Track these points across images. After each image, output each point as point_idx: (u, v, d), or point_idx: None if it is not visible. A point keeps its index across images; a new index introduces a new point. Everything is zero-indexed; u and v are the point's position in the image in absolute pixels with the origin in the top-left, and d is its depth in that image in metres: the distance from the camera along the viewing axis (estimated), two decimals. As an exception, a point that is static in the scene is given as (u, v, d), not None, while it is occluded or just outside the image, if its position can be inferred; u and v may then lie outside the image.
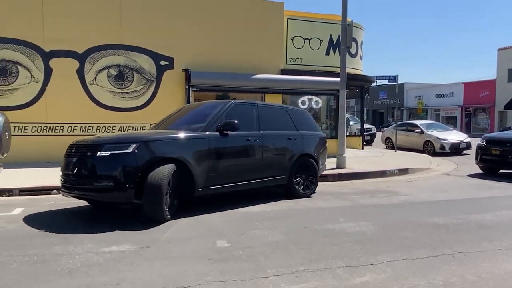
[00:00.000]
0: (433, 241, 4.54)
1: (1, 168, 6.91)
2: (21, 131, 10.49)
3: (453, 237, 4.71)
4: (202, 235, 4.71)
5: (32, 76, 10.73)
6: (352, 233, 4.85)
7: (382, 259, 3.92)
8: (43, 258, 3.85)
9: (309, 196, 7.23)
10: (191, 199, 5.88)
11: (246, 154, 6.30)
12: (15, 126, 9.67)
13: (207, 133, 5.77)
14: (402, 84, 45.84)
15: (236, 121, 5.85)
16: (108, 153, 4.93)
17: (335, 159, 10.94)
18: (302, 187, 7.20)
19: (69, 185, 5.19)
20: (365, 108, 17.64)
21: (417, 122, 18.78)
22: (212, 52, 12.32)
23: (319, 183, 8.98)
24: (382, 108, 52.19)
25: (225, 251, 4.11)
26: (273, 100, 13.19)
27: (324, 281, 3.37)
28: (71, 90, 10.91)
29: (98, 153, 4.95)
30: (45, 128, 10.74)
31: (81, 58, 11.10)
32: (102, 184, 4.88)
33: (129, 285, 3.22)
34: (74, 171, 5.07)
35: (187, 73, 11.88)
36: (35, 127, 10.69)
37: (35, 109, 10.69)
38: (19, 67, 10.60)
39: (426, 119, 39.14)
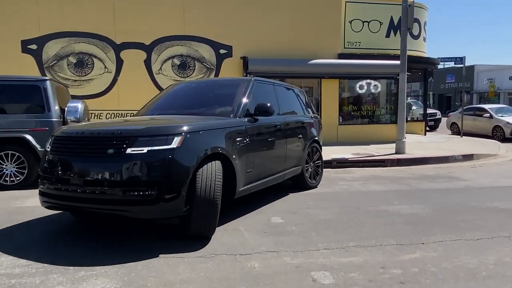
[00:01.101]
0: (490, 224, 4.48)
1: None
2: (97, 118, 11.53)
3: (513, 222, 4.60)
4: (257, 212, 5.04)
5: (105, 67, 11.70)
6: (405, 215, 4.92)
7: (434, 239, 3.98)
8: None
9: (316, 187, 6.61)
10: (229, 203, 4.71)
11: (274, 144, 5.33)
12: (92, 113, 10.66)
13: (245, 119, 4.73)
14: (472, 66, 42.78)
15: (269, 104, 4.86)
16: (145, 149, 3.50)
17: (394, 144, 10.76)
18: (309, 176, 6.52)
19: (71, 195, 3.65)
20: (429, 92, 16.92)
21: (486, 106, 17.66)
22: (269, 39, 12.53)
23: (377, 168, 8.96)
24: (449, 92, 49.14)
25: (279, 227, 4.41)
26: (330, 84, 13.18)
27: (374, 256, 3.54)
28: (140, 79, 11.74)
29: (129, 150, 3.51)
30: (118, 114, 11.69)
31: (148, 49, 11.88)
32: (139, 193, 3.45)
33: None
34: (83, 176, 3.59)
35: (245, 61, 12.22)
36: (109, 114, 11.68)
37: (108, 98, 11.66)
38: (94, 59, 11.61)
39: (498, 103, 36.35)
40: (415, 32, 14.41)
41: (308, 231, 4.25)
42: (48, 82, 6.81)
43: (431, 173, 8.31)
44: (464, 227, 4.38)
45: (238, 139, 4.44)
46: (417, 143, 12.83)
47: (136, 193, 3.47)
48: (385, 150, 10.94)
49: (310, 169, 6.56)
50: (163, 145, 3.57)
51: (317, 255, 3.55)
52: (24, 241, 3.97)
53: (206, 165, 3.77)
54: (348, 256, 3.52)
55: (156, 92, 11.87)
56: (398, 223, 4.54)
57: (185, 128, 3.80)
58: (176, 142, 3.62)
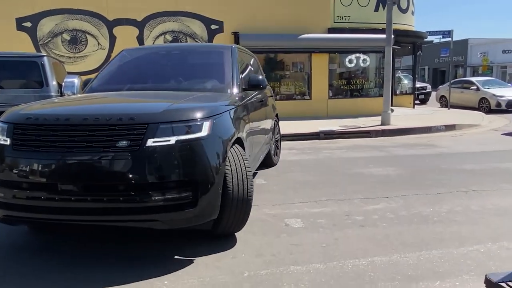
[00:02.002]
0: (452, 182, 4.97)
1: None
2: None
3: (474, 180, 5.08)
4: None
5: (99, 43, 11.94)
6: (378, 175, 5.40)
7: (398, 193, 4.47)
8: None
9: (277, 164, 6.20)
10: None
11: (261, 121, 4.73)
12: (87, 89, 10.98)
13: (242, 94, 4.00)
14: (466, 40, 42.84)
15: (261, 77, 4.24)
16: (172, 140, 2.68)
17: (381, 116, 11.20)
18: (273, 153, 6.06)
19: (60, 206, 2.69)
20: (425, 67, 17.21)
21: (473, 78, 18.05)
22: (260, 14, 12.73)
23: (362, 139, 9.41)
24: (444, 67, 49.23)
25: (262, 187, 4.88)
26: (320, 59, 13.47)
27: (341, 207, 4.02)
28: (133, 55, 12.00)
29: (150, 142, 2.64)
30: (112, 90, 12.02)
31: (140, 25, 12.09)
32: (172, 197, 2.67)
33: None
34: (80, 180, 2.65)
35: (236, 36, 12.47)
36: (104, 90, 12.03)
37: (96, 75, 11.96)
38: (87, 35, 11.84)
39: (491, 76, 36.66)
40: (404, 6, 14.61)
41: (287, 189, 4.73)
42: (45, 58, 7.13)
43: (412, 142, 8.78)
44: (429, 185, 4.86)
45: (242, 118, 3.66)
46: (404, 115, 13.25)
47: (169, 197, 2.65)
48: (372, 122, 11.37)
49: (272, 145, 6.00)
50: (193, 133, 2.76)
51: (292, 207, 4.03)
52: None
53: (231, 154, 3.04)
54: (319, 208, 4.01)
55: (150, 68, 12.15)
56: (370, 182, 5.03)
57: (212, 110, 3.02)
58: (206, 128, 2.83)
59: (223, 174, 2.89)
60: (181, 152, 2.69)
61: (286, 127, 9.80)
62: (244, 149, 3.39)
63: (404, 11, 14.79)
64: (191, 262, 2.86)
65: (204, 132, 2.81)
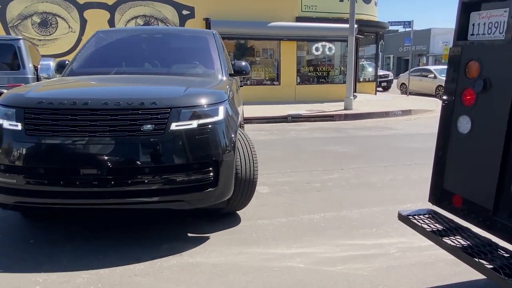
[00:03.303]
0: (399, 157, 5.72)
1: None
2: (63, 77, 11.93)
3: (419, 156, 5.84)
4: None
5: (69, 26, 11.99)
6: (336, 152, 6.08)
7: (352, 166, 5.16)
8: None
9: None
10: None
11: (241, 106, 4.46)
12: (59, 72, 11.09)
13: (231, 79, 4.13)
14: (429, 30, 44.60)
15: (244, 63, 4.44)
16: (194, 123, 2.84)
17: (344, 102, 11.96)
18: None
19: (81, 190, 2.73)
20: (384, 55, 18.10)
21: (431, 67, 19.21)
22: (231, 1, 13.11)
23: (326, 122, 10.11)
24: (407, 55, 51.11)
25: (234, 161, 5.44)
26: (289, 46, 14.05)
27: (303, 177, 4.66)
28: (104, 39, 12.13)
29: (173, 125, 2.78)
30: (84, 74, 12.16)
31: (111, 9, 12.21)
32: (197, 178, 2.83)
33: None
34: (103, 164, 2.70)
35: (207, 22, 12.83)
36: (75, 73, 12.13)
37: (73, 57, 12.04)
38: (58, 18, 11.86)
39: (450, 66, 38.48)
40: (367, -3, 15.36)
41: (256, 163, 5.31)
42: (21, 41, 7.31)
43: (370, 125, 9.57)
44: (379, 160, 5.59)
45: (234, 103, 3.61)
46: (366, 101, 14.12)
47: (193, 178, 2.81)
48: (336, 107, 12.12)
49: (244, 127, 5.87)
50: (211, 117, 2.93)
51: (260, 178, 4.57)
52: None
53: (238, 138, 3.17)
54: (283, 177, 4.63)
55: (122, 52, 12.32)
56: (328, 158, 5.70)
57: (223, 95, 3.17)
58: (221, 112, 3.00)
59: (236, 155, 3.07)
60: (202, 135, 2.85)
61: (257, 110, 10.38)
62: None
63: (367, 1, 15.55)
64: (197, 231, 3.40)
65: (221, 115, 2.97)
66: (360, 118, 10.91)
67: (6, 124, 2.76)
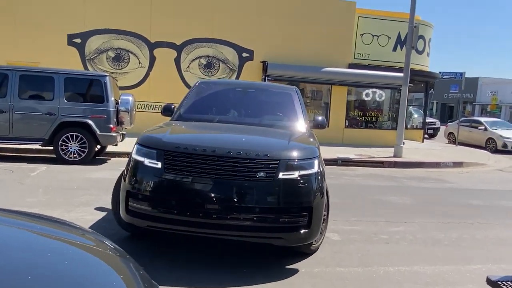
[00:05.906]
0: (461, 214, 5.84)
1: (125, 136, 9.11)
2: (128, 107, 12.90)
3: (479, 214, 5.94)
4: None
5: (139, 62, 13.05)
6: (395, 203, 6.28)
7: (414, 219, 5.35)
8: None
9: None
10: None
11: None
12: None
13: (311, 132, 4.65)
14: (476, 78, 43.96)
15: (321, 118, 4.94)
16: (296, 174, 3.39)
17: (393, 149, 12.08)
18: None
19: (202, 221, 3.28)
20: (432, 101, 18.12)
21: (482, 119, 18.99)
22: (287, 46, 13.83)
23: (376, 168, 10.28)
24: (452, 102, 50.29)
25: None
26: (340, 91, 14.49)
27: (369, 227, 4.90)
28: (169, 75, 13.09)
29: (281, 175, 3.32)
30: (148, 105, 13.07)
31: (179, 48, 13.22)
32: (295, 220, 3.36)
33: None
34: (223, 201, 3.29)
35: (265, 65, 13.55)
36: (140, 104, 13.04)
37: (140, 90, 13.00)
38: (130, 54, 12.97)
39: (499, 115, 37.58)
40: (420, 48, 15.65)
41: (320, 209, 5.61)
42: (107, 77, 8.17)
43: (422, 175, 9.64)
44: (439, 215, 5.73)
45: (321, 156, 4.02)
46: (414, 149, 14.13)
47: (292, 219, 3.35)
48: (384, 153, 12.26)
49: None
50: (310, 169, 3.49)
51: (328, 225, 4.91)
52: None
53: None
54: (350, 226, 4.89)
55: (183, 87, 13.20)
56: (389, 208, 5.90)
57: (317, 150, 3.77)
58: (316, 165, 3.56)
59: (325, 203, 3.69)
60: (301, 184, 3.40)
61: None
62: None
63: (420, 52, 15.84)
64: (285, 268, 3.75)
65: (316, 168, 3.55)
66: (410, 167, 10.96)
67: (147, 162, 3.40)
